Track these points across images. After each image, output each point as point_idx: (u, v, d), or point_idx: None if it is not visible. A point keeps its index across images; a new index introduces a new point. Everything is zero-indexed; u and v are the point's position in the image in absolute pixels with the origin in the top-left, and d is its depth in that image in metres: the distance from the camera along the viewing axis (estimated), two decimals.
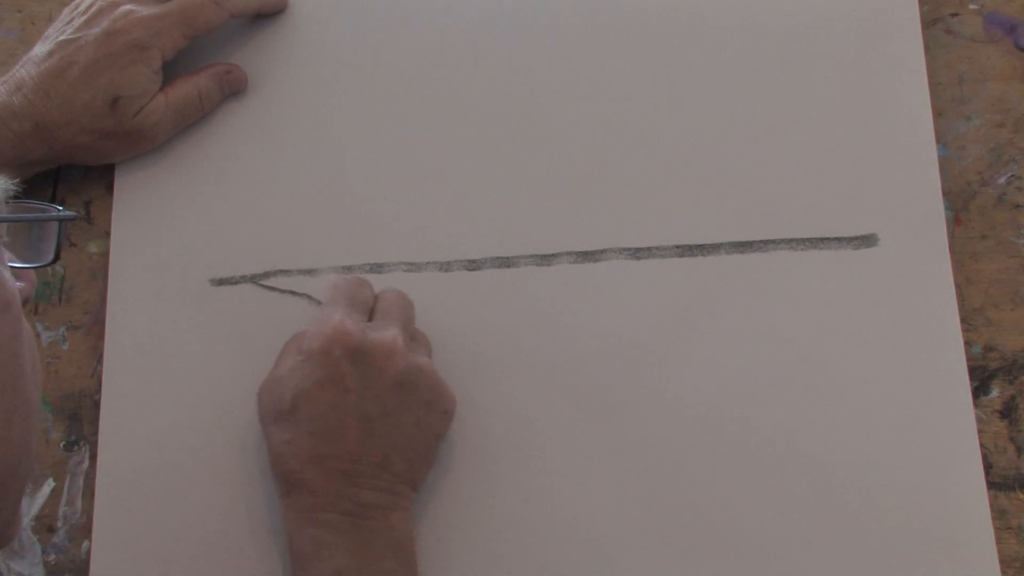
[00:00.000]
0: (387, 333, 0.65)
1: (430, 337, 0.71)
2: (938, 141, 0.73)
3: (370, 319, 0.68)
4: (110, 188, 0.78)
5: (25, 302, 0.55)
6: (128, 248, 0.76)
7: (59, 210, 0.58)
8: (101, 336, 0.74)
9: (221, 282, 0.75)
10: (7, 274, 0.52)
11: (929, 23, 0.75)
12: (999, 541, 0.65)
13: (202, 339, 0.73)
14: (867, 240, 0.71)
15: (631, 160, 0.74)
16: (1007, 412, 0.68)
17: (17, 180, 0.55)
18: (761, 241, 0.72)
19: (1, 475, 0.51)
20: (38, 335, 0.75)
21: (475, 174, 0.75)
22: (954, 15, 0.76)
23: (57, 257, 0.58)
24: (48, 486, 0.72)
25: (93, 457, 0.72)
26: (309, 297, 0.74)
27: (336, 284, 0.69)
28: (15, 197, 0.55)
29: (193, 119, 0.78)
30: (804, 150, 0.73)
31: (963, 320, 0.69)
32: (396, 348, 0.65)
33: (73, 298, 0.76)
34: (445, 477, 0.69)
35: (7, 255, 0.54)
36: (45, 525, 0.72)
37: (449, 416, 0.67)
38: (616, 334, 0.71)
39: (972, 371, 0.68)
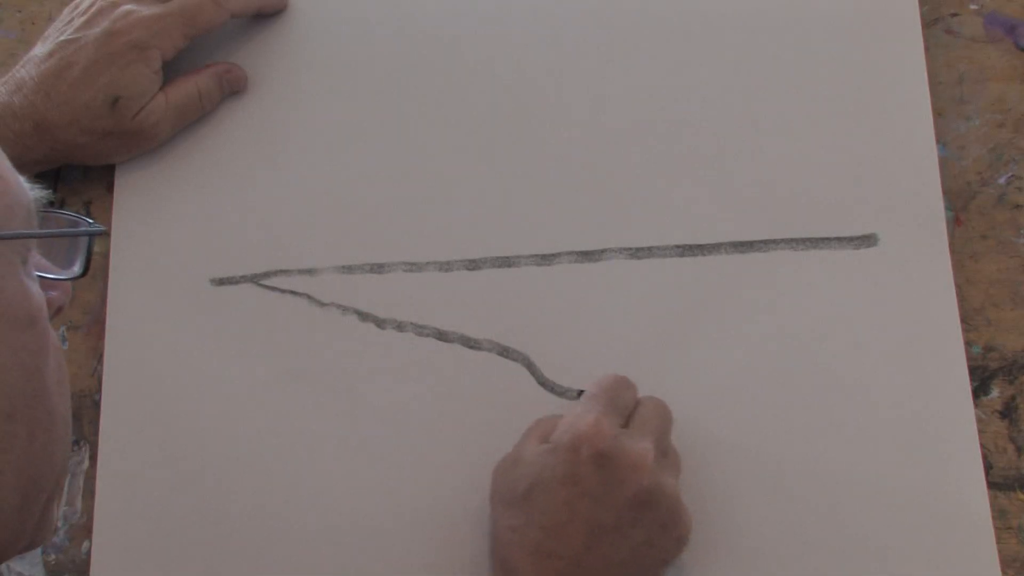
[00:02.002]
0: (639, 445, 0.62)
1: (429, 336, 0.71)
2: (938, 141, 0.72)
3: (626, 424, 0.65)
4: (110, 188, 0.78)
5: (59, 311, 0.55)
6: (128, 248, 0.76)
7: (90, 223, 0.59)
8: (101, 336, 0.74)
9: (221, 282, 0.75)
10: (35, 288, 0.51)
11: (929, 23, 0.75)
12: (999, 541, 0.65)
13: (202, 339, 0.73)
14: (867, 240, 0.71)
15: (631, 160, 0.74)
16: (1007, 412, 0.68)
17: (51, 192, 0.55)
18: (761, 241, 0.72)
19: (25, 486, 0.51)
20: None
21: (475, 174, 0.75)
22: (954, 15, 0.76)
23: (86, 270, 0.58)
24: None
25: (93, 457, 0.72)
26: (309, 297, 0.74)
27: (600, 382, 0.66)
28: (47, 206, 0.55)
29: (193, 119, 0.78)
30: (804, 150, 0.73)
31: (963, 320, 0.69)
32: (644, 462, 0.61)
33: (73, 298, 0.76)
34: None
35: (40, 263, 0.54)
36: None
37: (682, 543, 0.63)
38: (616, 334, 0.71)
39: (972, 371, 0.68)
